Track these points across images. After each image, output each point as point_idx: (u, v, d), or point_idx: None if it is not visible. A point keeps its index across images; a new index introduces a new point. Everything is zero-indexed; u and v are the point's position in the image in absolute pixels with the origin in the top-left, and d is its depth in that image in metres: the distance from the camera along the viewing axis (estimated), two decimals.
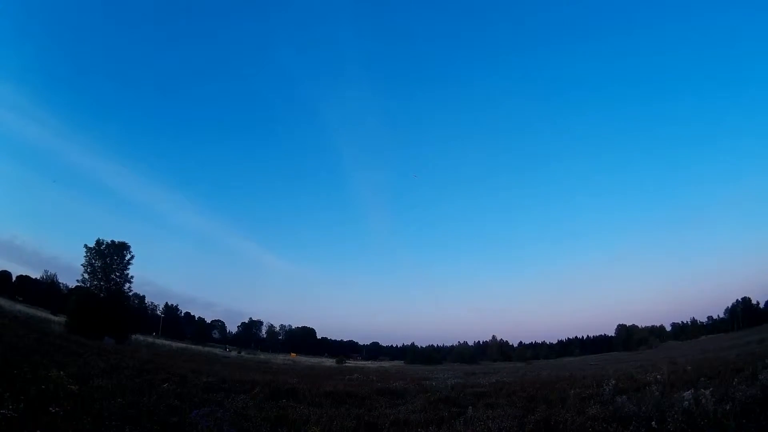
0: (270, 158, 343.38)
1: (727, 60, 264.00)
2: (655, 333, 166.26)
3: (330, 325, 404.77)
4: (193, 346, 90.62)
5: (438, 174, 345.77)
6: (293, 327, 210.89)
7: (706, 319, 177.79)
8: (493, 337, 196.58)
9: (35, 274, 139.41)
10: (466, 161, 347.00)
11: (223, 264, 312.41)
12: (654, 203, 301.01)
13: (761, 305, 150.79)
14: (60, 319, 57.79)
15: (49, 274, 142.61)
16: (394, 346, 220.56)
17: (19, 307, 66.34)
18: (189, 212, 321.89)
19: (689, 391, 12.79)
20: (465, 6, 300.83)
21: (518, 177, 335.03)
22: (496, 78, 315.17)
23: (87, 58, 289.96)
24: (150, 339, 79.70)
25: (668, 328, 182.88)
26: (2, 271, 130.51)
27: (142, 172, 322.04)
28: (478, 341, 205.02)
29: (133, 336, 60.15)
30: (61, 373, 11.96)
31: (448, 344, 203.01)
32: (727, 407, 10.79)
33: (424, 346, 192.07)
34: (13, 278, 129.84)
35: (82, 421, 8.32)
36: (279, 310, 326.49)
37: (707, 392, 11.91)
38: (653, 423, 10.57)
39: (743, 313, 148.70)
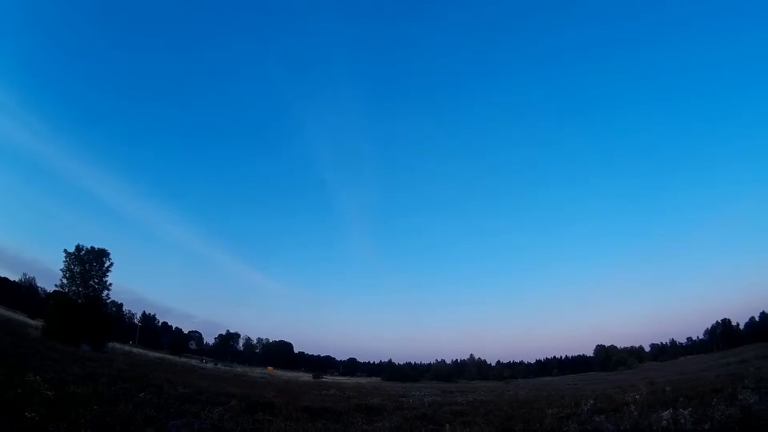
0: (254, 172, 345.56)
1: (708, 89, 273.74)
2: (634, 354, 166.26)
3: (307, 340, 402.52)
4: (169, 357, 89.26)
5: (423, 194, 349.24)
6: (270, 340, 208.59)
7: (686, 341, 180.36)
8: (471, 355, 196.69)
9: (14, 277, 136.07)
10: (452, 183, 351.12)
11: (203, 275, 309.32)
12: (635, 227, 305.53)
13: (741, 327, 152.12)
14: (37, 323, 56.95)
15: (27, 277, 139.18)
16: (372, 362, 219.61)
17: None
18: (170, 223, 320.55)
19: (668, 411, 12.82)
20: (458, 27, 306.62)
21: (501, 200, 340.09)
22: (486, 101, 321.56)
23: (78, 67, 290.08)
24: (127, 347, 78.43)
25: (647, 349, 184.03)
26: None
27: (125, 180, 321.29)
28: (456, 359, 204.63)
29: (110, 343, 59.21)
30: (38, 378, 11.88)
31: (426, 362, 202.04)
32: (706, 427, 10.82)
33: (401, 364, 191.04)
34: None
35: (57, 427, 8.32)
36: (257, 323, 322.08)
37: (686, 412, 11.94)
38: None
39: (723, 334, 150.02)
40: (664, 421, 11.75)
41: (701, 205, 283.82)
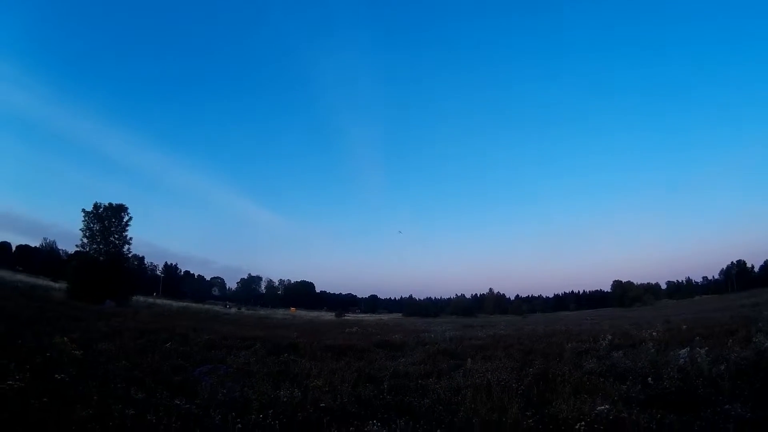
0: (265, 117, 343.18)
1: (728, 26, 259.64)
2: (651, 291, 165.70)
3: (328, 279, 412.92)
4: (193, 305, 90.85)
5: (435, 130, 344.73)
6: (292, 281, 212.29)
7: (701, 280, 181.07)
8: (490, 290, 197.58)
9: (34, 243, 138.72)
10: (464, 117, 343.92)
11: (220, 221, 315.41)
12: (654, 164, 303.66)
13: (756, 269, 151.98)
14: (61, 285, 58.08)
15: (48, 241, 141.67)
16: (392, 298, 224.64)
17: (20, 277, 66.67)
18: (184, 172, 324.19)
19: (685, 350, 12.71)
20: None
21: (517, 133, 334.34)
22: (496, 35, 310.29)
23: (73, 23, 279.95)
24: (150, 299, 79.98)
25: (663, 287, 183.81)
26: (2, 242, 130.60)
27: (134, 133, 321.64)
28: (475, 294, 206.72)
29: (134, 297, 60.52)
30: (65, 339, 12.11)
31: (446, 297, 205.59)
32: (722, 368, 10.66)
33: (421, 299, 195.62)
34: (13, 248, 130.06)
35: (87, 386, 8.45)
36: (277, 266, 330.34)
37: (702, 351, 11.81)
38: (649, 379, 10.40)
39: (738, 276, 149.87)
40: (681, 360, 11.67)
41: (724, 144, 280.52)
